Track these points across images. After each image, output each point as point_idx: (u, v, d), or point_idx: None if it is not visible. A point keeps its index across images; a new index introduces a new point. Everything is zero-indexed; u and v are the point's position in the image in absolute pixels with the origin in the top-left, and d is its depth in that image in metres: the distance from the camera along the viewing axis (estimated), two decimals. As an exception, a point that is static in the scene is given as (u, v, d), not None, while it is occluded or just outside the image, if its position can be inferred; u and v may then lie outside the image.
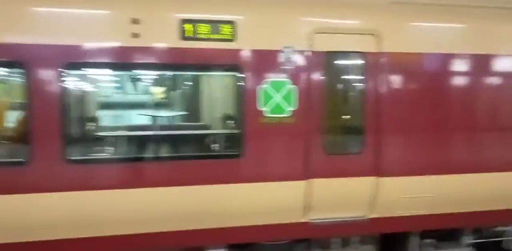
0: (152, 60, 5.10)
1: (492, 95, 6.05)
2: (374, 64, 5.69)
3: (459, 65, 5.93)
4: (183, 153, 5.59)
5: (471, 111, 5.99)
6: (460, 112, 5.95)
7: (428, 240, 6.55)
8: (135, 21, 4.97)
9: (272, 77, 5.36)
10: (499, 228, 6.79)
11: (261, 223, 5.60)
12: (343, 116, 5.86)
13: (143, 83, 6.85)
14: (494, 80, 6.07)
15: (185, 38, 5.10)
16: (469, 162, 6.01)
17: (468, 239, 6.72)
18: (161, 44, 5.11)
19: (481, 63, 5.98)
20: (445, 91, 5.90)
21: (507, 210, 6.33)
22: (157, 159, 5.49)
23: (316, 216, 5.71)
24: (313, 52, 5.47)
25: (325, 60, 5.56)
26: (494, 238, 6.81)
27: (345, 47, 5.61)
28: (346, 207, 5.78)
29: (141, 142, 5.58)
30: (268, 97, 5.37)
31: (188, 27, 5.10)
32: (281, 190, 5.50)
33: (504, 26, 6.16)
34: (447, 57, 5.88)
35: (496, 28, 6.14)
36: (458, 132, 5.97)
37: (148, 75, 6.66)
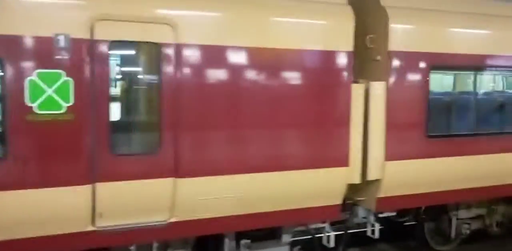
0: None
1: (295, 92, 5.85)
2: (171, 56, 5.22)
3: (261, 59, 5.63)
4: None
5: (274, 107, 5.74)
6: (263, 109, 5.68)
7: (244, 241, 6.37)
8: None
9: (42, 68, 4.68)
10: (318, 225, 6.81)
11: (41, 234, 4.94)
12: (136, 113, 5.37)
13: None
14: (295, 76, 5.87)
15: None
16: (275, 159, 5.79)
17: (288, 238, 6.68)
18: None
19: (281, 59, 5.73)
20: (248, 86, 5.60)
21: (320, 206, 6.31)
22: None
23: (107, 223, 5.15)
24: (94, 41, 4.87)
25: (111, 50, 4.96)
26: (314, 235, 6.84)
27: (135, 37, 5.08)
28: (143, 211, 5.28)
29: None
30: (37, 92, 4.66)
31: None
32: (60, 197, 4.84)
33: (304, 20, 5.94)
34: (250, 51, 5.56)
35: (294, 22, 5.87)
36: (262, 129, 5.71)
37: None
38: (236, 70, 5.54)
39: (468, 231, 8.24)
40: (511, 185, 7.75)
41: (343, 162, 6.22)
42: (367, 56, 6.72)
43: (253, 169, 5.69)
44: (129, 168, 5.13)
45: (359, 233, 8.28)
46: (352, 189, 6.68)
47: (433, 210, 8.02)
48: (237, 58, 5.52)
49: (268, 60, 5.69)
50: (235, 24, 5.50)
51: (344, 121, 6.18)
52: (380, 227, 7.19)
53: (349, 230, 7.31)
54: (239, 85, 5.55)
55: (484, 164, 7.35)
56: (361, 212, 7.00)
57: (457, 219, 8.09)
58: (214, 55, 5.41)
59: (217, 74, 5.45)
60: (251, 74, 5.60)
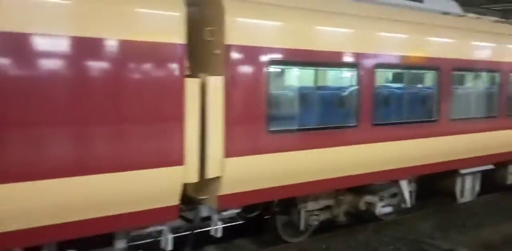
0: None
1: (118, 87, 5.36)
2: None
3: (77, 50, 5.04)
4: None
5: (94, 104, 5.20)
6: (79, 105, 5.12)
7: (69, 251, 5.81)
8: None
9: None
10: (155, 228, 6.46)
11: None
12: None
13: None
14: (117, 70, 5.34)
15: None
16: (96, 161, 5.25)
17: (122, 243, 6.23)
18: None
19: (101, 50, 5.22)
20: (60, 80, 4.98)
21: (155, 209, 5.92)
22: None
23: None
24: None
25: None
26: (150, 238, 6.50)
27: None
28: None
29: None
30: None
31: None
32: None
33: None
34: (61, 39, 4.93)
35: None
36: (81, 127, 5.16)
37: None
38: (43, 62, 4.88)
39: (317, 222, 8.52)
40: (354, 176, 8.13)
41: (177, 160, 5.87)
42: (207, 50, 6.49)
43: (71, 172, 5.09)
44: None
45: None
46: (195, 187, 6.44)
47: (284, 203, 8.14)
48: (43, 47, 4.86)
49: (85, 51, 5.11)
50: (39, 6, 4.80)
51: (176, 118, 5.83)
52: (229, 225, 7.11)
53: (196, 230, 7.10)
54: (48, 79, 4.90)
55: (327, 157, 7.57)
56: (204, 211, 6.79)
57: (306, 211, 8.33)
58: (12, 43, 4.69)
59: (19, 66, 4.74)
60: (63, 67, 4.98)
